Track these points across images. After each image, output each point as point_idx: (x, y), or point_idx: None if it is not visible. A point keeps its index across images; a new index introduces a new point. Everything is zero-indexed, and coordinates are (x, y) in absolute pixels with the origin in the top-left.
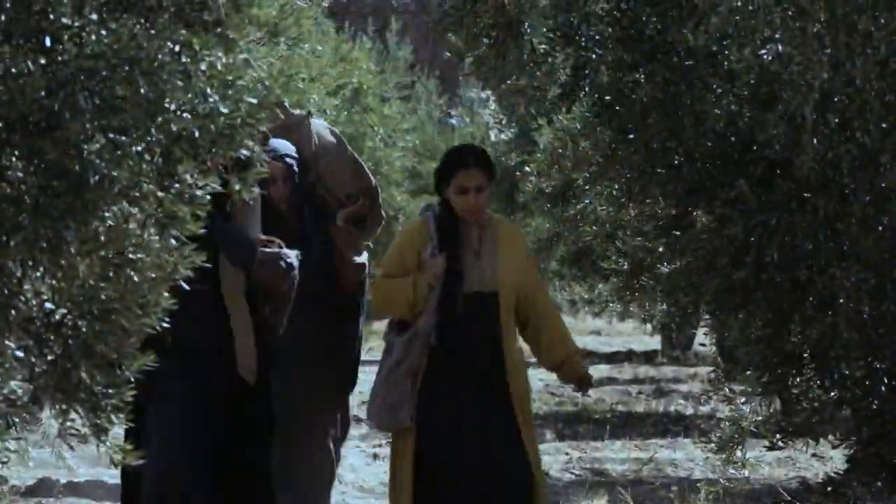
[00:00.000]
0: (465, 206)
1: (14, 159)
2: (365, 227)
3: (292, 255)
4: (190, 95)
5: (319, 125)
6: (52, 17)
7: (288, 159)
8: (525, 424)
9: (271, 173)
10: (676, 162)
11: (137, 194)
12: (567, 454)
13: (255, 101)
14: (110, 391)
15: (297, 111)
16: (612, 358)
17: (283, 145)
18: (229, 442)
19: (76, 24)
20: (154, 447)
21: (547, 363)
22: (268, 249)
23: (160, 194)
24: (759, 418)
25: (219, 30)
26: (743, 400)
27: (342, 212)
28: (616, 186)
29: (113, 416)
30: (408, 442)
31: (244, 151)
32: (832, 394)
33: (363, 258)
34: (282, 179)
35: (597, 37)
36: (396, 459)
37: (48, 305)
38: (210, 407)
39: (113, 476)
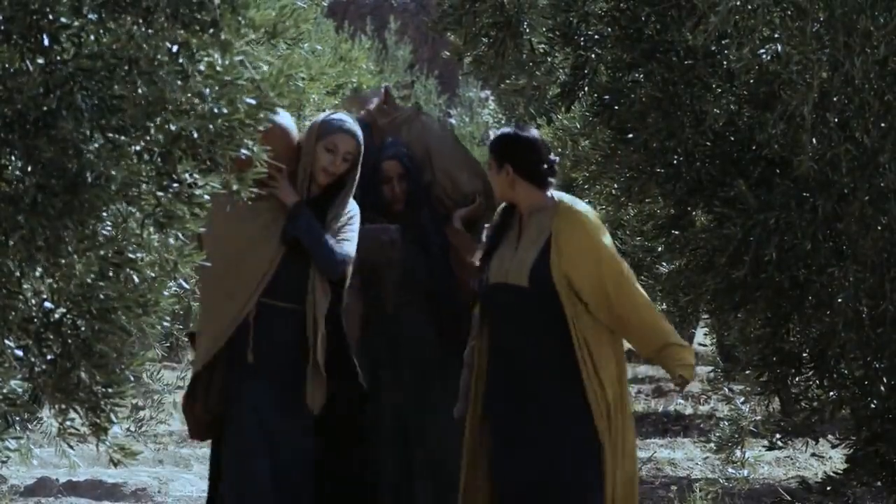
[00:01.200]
0: None
1: (13, 158)
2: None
3: (392, 229)
4: (188, 95)
5: (430, 120)
6: (50, 16)
7: (402, 157)
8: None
9: (385, 173)
10: (675, 161)
11: (136, 193)
12: None
13: (253, 101)
14: (110, 390)
15: (405, 105)
16: None
17: (395, 142)
18: (329, 457)
19: (74, 23)
20: (231, 475)
21: (645, 356)
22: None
23: (159, 194)
24: (759, 418)
25: (212, 31)
26: (742, 399)
27: (458, 213)
28: (615, 186)
29: (112, 416)
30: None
31: (244, 151)
32: (831, 393)
33: None
34: (396, 179)
35: (596, 36)
36: None
37: (47, 305)
38: (297, 427)
39: (112, 476)
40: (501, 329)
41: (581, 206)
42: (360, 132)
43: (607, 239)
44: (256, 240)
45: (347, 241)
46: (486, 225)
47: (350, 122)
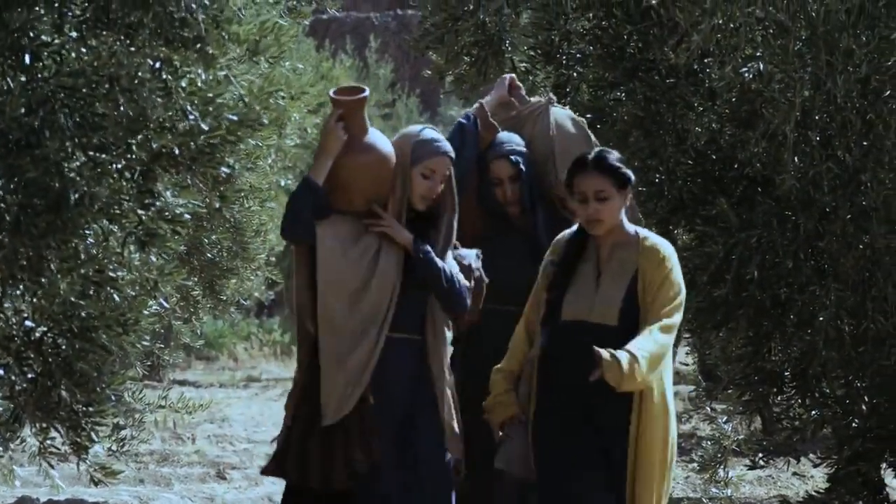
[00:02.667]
0: (582, 216)
1: None
2: None
3: (470, 256)
4: (170, 113)
5: (561, 114)
6: (31, 34)
7: (514, 157)
8: (642, 478)
9: (495, 174)
10: (657, 180)
11: (117, 212)
12: None
13: (235, 118)
14: (90, 409)
15: (535, 98)
16: None
17: (509, 140)
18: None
19: (56, 41)
20: None
21: None
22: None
23: (140, 212)
24: (741, 437)
25: (199, 46)
26: (724, 418)
27: None
28: None
29: (93, 435)
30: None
31: (224, 170)
32: (813, 412)
33: None
34: (508, 180)
35: (578, 55)
36: None
37: (28, 323)
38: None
39: (93, 495)
40: (574, 368)
41: (665, 243)
42: (451, 149)
43: (681, 279)
44: (371, 276)
45: (461, 272)
46: (550, 259)
47: (442, 140)
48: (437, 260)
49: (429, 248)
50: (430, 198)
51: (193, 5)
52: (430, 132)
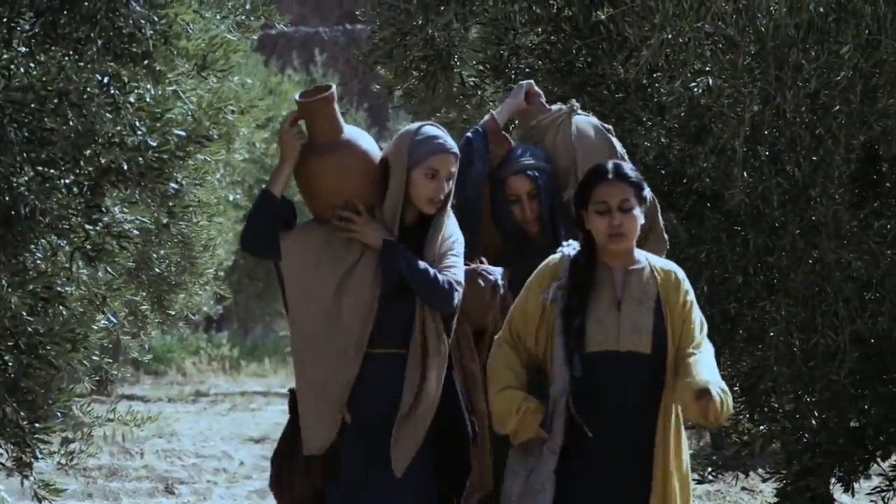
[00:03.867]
0: (603, 230)
1: None
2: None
3: (496, 273)
4: (119, 128)
5: (583, 122)
6: None
7: (531, 171)
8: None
9: (513, 190)
10: None
11: (66, 227)
12: None
13: (183, 133)
14: (37, 426)
15: (556, 105)
16: None
17: (525, 153)
18: None
19: (4, 56)
20: None
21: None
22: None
23: (88, 227)
24: (690, 451)
25: (147, 61)
26: None
27: None
28: None
29: (37, 452)
30: None
31: (172, 185)
32: (762, 427)
33: None
34: (526, 196)
35: (527, 70)
36: None
37: None
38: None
39: None
40: (599, 401)
41: (675, 266)
42: (454, 144)
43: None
44: (347, 287)
45: (453, 267)
46: (556, 284)
47: (444, 136)
48: (413, 258)
49: (401, 246)
50: (438, 199)
51: (142, 21)
52: (430, 129)
